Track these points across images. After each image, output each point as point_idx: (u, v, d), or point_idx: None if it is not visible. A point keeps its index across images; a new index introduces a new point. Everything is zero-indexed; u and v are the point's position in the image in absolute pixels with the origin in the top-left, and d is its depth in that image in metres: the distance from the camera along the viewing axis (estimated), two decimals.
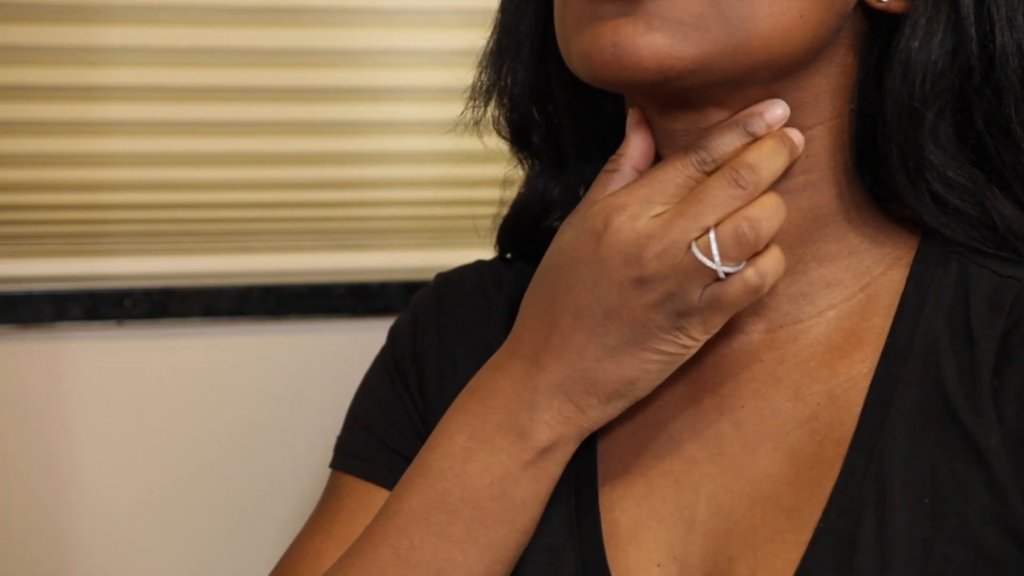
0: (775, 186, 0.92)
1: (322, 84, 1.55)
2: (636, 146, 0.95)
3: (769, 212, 0.88)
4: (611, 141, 1.05)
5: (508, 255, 1.14)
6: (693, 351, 0.91)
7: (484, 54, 1.06)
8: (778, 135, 0.91)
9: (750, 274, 0.88)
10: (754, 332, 0.97)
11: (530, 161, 1.09)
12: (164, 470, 1.57)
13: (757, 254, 0.88)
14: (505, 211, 1.12)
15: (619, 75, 0.88)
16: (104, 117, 1.51)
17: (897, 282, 0.96)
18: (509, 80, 1.05)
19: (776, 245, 0.89)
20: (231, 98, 1.54)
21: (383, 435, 1.09)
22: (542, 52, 1.03)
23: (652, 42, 0.87)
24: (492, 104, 1.06)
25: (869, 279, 0.96)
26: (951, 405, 0.89)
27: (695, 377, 0.98)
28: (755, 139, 0.91)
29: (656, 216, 0.89)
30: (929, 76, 0.92)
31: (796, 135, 0.92)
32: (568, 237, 0.92)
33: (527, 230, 1.10)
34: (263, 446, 1.57)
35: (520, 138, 1.07)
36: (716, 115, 0.92)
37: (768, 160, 0.89)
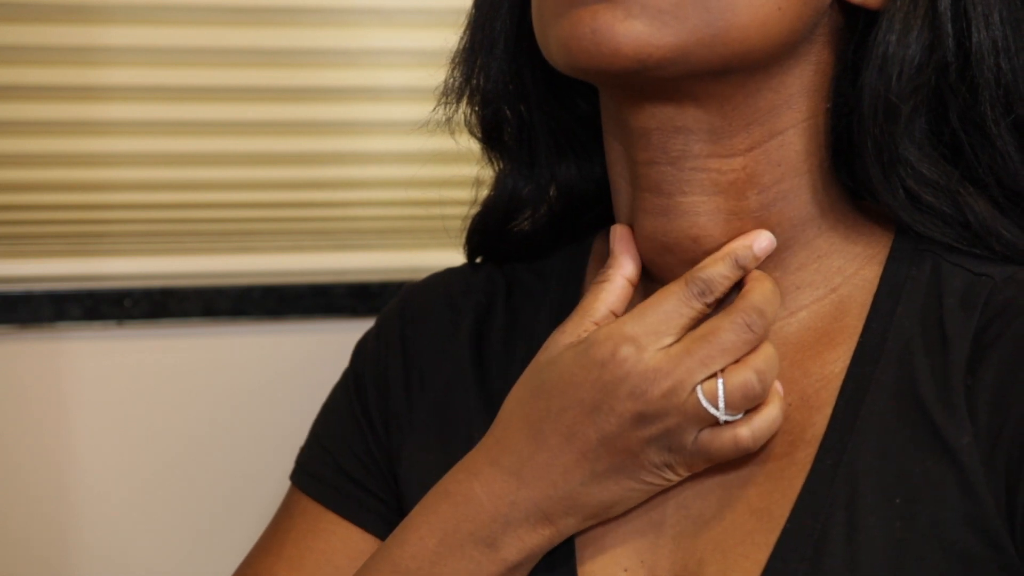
0: (752, 202, 0.93)
1: (322, 84, 1.56)
2: (626, 258, 0.96)
3: (772, 363, 0.89)
4: (583, 139, 1.05)
5: (477, 259, 1.13)
6: (674, 483, 0.92)
7: (457, 51, 1.05)
8: (768, 276, 0.92)
9: (744, 433, 0.89)
10: None
11: (500, 161, 1.08)
12: (164, 469, 1.57)
13: (756, 407, 0.89)
14: (473, 212, 1.12)
15: (597, 62, 0.87)
16: (104, 117, 1.51)
17: (870, 281, 0.95)
18: (482, 77, 1.04)
19: (777, 397, 0.90)
20: (231, 98, 1.55)
21: (339, 458, 1.09)
22: (516, 49, 1.03)
23: (631, 29, 0.86)
24: (464, 102, 1.06)
25: (841, 279, 0.95)
26: (924, 405, 0.89)
27: None
28: (745, 271, 0.92)
29: (663, 349, 0.89)
30: (906, 71, 0.91)
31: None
32: (568, 358, 0.92)
33: (495, 231, 1.09)
34: (263, 446, 1.57)
35: (491, 136, 1.06)
36: (692, 113, 0.91)
37: (771, 303, 0.90)
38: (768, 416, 0.89)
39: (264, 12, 1.52)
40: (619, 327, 0.90)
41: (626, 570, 0.94)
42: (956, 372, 0.89)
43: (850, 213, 0.97)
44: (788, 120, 0.93)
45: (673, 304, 0.91)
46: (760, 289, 0.90)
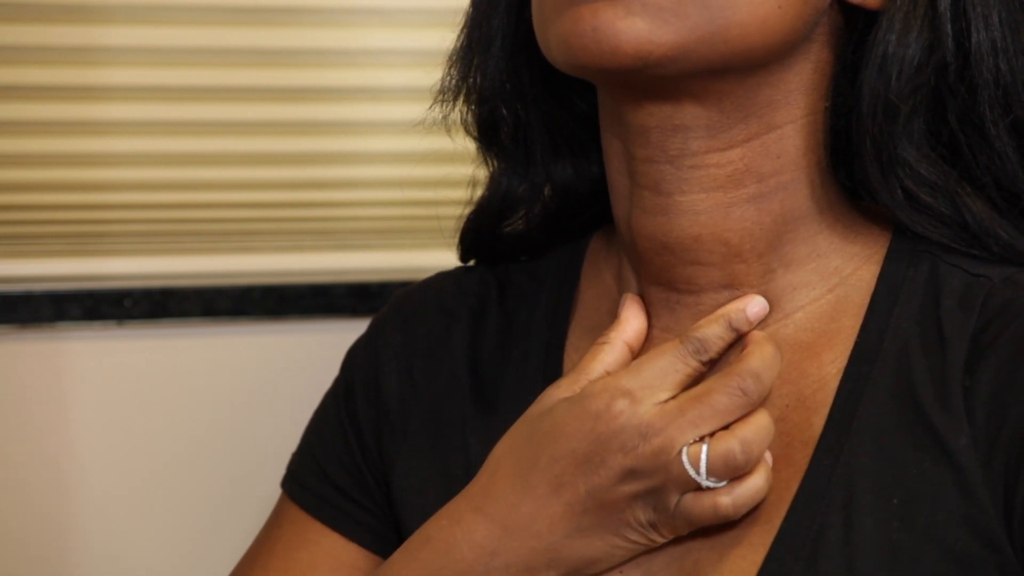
0: (752, 190, 0.93)
1: (322, 84, 1.56)
2: (631, 324, 0.96)
3: (762, 435, 0.88)
4: (580, 139, 1.05)
5: (470, 259, 1.13)
6: (658, 544, 0.91)
7: (454, 50, 1.05)
8: (772, 340, 0.91)
9: (724, 502, 0.88)
10: None
11: (496, 160, 1.08)
12: (164, 469, 1.57)
13: (741, 476, 0.88)
14: (468, 211, 1.11)
15: (598, 60, 0.88)
16: (104, 117, 1.51)
17: (867, 281, 0.95)
18: (478, 76, 1.04)
19: (765, 467, 0.89)
20: (231, 98, 1.55)
21: (327, 467, 1.09)
22: (513, 47, 1.03)
23: (631, 27, 0.86)
24: (461, 101, 1.05)
25: (838, 279, 0.95)
26: (921, 405, 0.89)
27: None
28: (739, 333, 0.92)
29: (658, 404, 0.89)
30: (905, 71, 0.91)
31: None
32: (563, 410, 0.91)
33: (489, 231, 1.09)
34: (263, 446, 1.57)
35: (487, 135, 1.06)
36: (691, 110, 0.91)
37: (770, 368, 0.89)
38: (751, 486, 0.88)
39: (264, 12, 1.52)
40: (615, 381, 0.90)
41: (621, 572, 0.93)
42: (954, 373, 0.88)
43: (848, 212, 0.97)
44: (786, 116, 0.93)
45: (669, 360, 0.90)
46: (759, 353, 0.90)
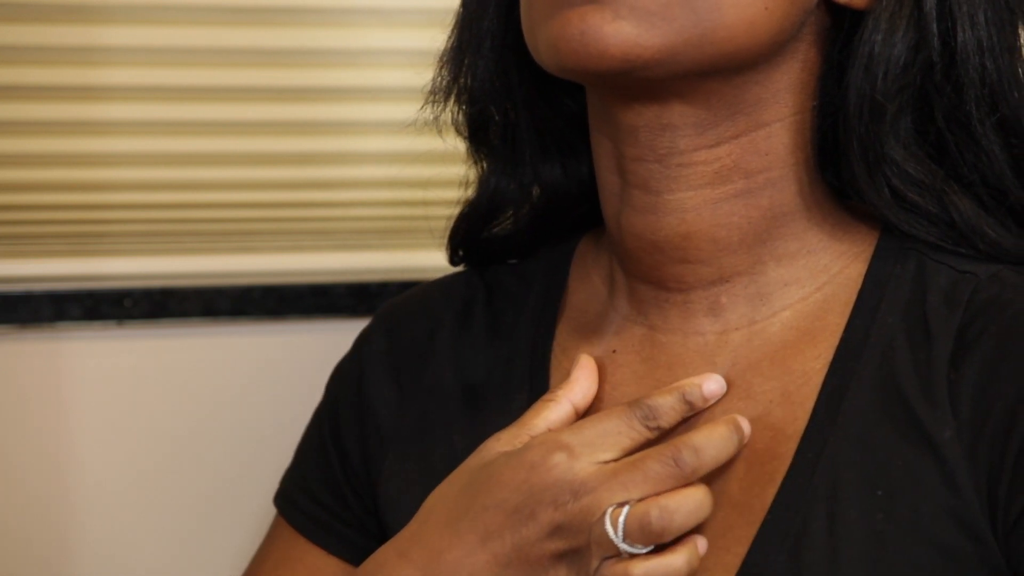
0: (740, 185, 0.94)
1: (322, 84, 1.55)
2: (580, 384, 0.96)
3: (689, 506, 0.87)
4: (569, 139, 1.05)
5: (459, 260, 1.13)
6: None
7: (445, 50, 1.06)
8: (733, 423, 0.90)
9: (636, 571, 0.86)
10: (709, 333, 0.97)
11: (485, 160, 1.08)
12: (163, 469, 1.57)
13: (666, 546, 0.87)
14: (457, 212, 1.12)
15: (585, 64, 0.88)
16: (104, 117, 1.51)
17: (854, 279, 0.95)
18: (469, 76, 1.04)
19: (691, 548, 0.87)
20: (231, 98, 1.55)
21: (312, 483, 1.11)
22: (503, 48, 1.03)
23: (619, 31, 0.87)
24: (452, 101, 1.06)
25: (827, 277, 0.96)
26: (906, 399, 0.89)
27: (648, 377, 0.98)
28: (693, 408, 0.92)
29: (596, 464, 0.88)
30: (891, 71, 0.92)
31: (745, 424, 0.91)
32: (501, 461, 0.91)
33: (477, 230, 1.10)
34: (263, 446, 1.57)
35: (477, 135, 1.07)
36: (678, 109, 0.92)
37: (715, 447, 0.89)
38: (666, 563, 0.86)
39: (264, 12, 1.52)
40: (555, 435, 0.90)
41: None
42: (939, 367, 0.89)
43: (835, 211, 0.98)
44: (774, 114, 0.94)
45: (614, 423, 0.90)
46: (708, 431, 0.89)
